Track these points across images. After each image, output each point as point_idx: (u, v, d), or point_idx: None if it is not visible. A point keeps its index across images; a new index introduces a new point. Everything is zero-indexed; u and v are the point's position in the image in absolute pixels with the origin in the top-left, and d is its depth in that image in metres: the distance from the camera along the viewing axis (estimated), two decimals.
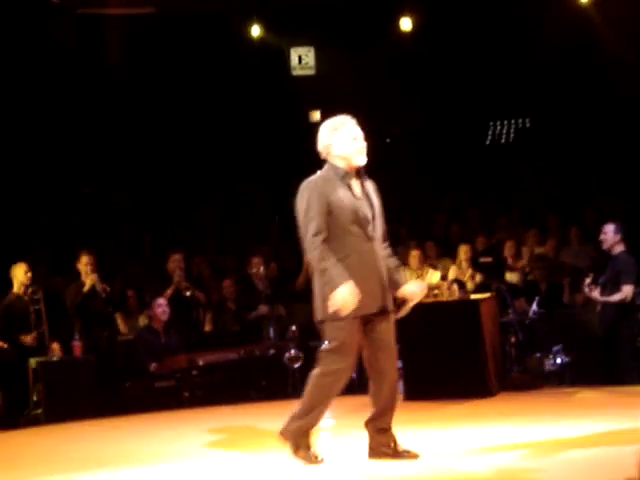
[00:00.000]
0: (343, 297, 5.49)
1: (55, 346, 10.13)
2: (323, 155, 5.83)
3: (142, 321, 11.33)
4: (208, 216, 15.40)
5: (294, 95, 15.54)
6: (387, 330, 5.78)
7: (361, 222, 5.67)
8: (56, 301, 11.36)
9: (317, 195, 5.64)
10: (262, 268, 11.32)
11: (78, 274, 10.75)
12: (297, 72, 15.71)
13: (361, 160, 5.76)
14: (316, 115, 15.90)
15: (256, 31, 14.91)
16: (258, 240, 14.07)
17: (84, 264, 10.64)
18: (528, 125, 16.99)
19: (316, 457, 5.79)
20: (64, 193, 15.18)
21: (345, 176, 5.73)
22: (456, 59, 15.50)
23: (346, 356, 5.66)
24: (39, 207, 14.64)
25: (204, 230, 14.70)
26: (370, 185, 5.87)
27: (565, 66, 14.94)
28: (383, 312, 5.74)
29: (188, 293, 11.07)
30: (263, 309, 11.05)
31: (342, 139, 5.77)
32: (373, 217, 5.74)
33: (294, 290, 12.07)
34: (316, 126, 5.98)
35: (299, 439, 5.76)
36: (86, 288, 10.48)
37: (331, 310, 5.53)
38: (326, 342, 5.70)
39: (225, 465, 6.29)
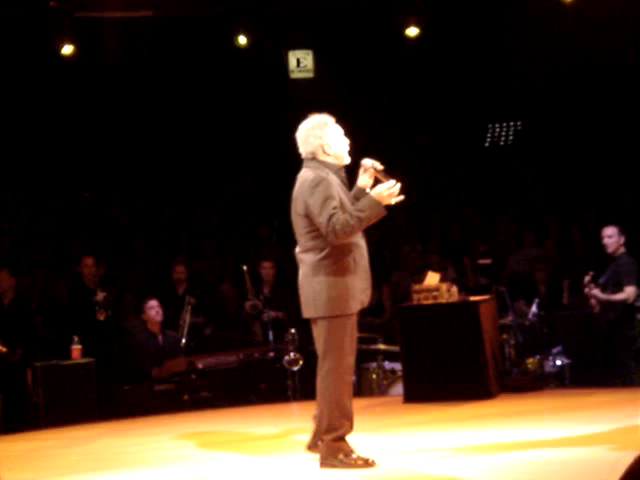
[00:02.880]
0: (383, 191, 5.47)
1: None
2: (311, 154, 5.63)
3: (138, 324, 11.27)
4: (206, 219, 15.37)
5: (292, 98, 15.51)
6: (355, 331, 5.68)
7: None
8: (55, 304, 11.39)
9: (332, 187, 5.52)
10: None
11: (79, 276, 10.82)
12: (295, 75, 15.69)
13: (348, 160, 5.74)
14: None
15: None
16: (256, 243, 14.04)
17: (86, 267, 10.78)
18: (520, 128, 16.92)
19: (366, 460, 5.55)
20: (65, 197, 15.18)
21: (339, 172, 5.69)
22: (456, 63, 15.50)
23: (348, 354, 5.52)
24: (40, 210, 14.63)
25: (203, 233, 14.67)
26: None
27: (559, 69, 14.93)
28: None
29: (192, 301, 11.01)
30: (248, 305, 10.95)
31: (333, 137, 5.65)
32: None
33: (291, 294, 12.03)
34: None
35: (337, 447, 5.52)
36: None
37: (388, 198, 5.47)
38: (323, 340, 5.49)
39: (224, 469, 6.28)
